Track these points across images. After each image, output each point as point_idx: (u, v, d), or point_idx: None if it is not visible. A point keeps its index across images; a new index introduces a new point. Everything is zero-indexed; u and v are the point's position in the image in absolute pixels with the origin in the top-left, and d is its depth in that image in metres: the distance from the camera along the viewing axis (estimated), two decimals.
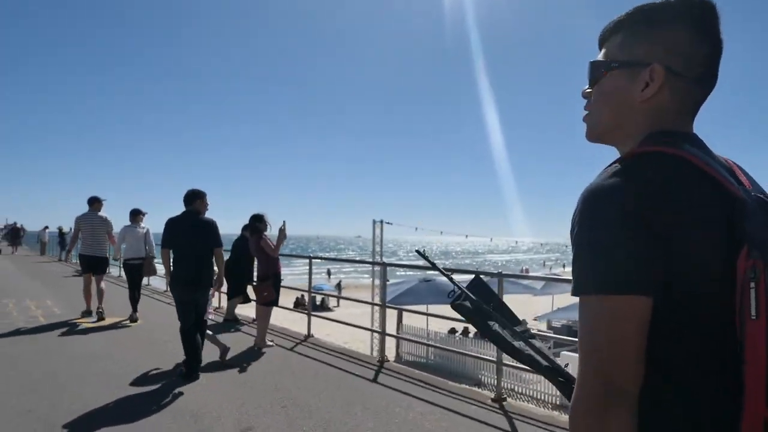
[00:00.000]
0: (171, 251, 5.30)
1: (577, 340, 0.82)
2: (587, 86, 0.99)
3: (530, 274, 37.16)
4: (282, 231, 6.25)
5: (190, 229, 5.19)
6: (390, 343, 18.57)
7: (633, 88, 0.90)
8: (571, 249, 0.85)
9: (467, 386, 5.39)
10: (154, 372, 5.21)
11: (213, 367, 5.37)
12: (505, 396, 4.74)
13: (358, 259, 44.74)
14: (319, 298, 31.66)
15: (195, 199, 5.32)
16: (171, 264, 5.29)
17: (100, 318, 8.00)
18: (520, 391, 11.27)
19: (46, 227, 26.92)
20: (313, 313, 8.37)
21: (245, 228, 8.32)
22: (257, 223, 6.28)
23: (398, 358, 17.35)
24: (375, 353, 16.78)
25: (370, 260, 7.48)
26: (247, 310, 8.90)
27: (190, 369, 4.99)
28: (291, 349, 6.40)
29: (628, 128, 0.92)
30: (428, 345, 13.50)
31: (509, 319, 1.29)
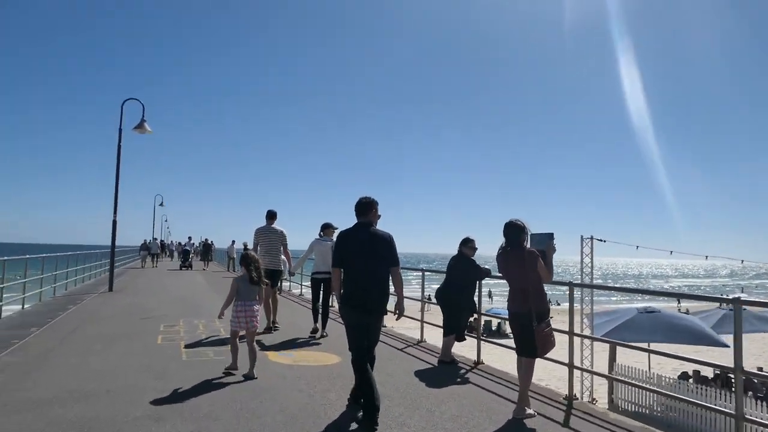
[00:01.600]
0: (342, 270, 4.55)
1: None
2: None
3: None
4: (551, 248, 4.23)
5: (364, 244, 4.44)
6: (597, 384, 15.57)
7: None
8: None
9: None
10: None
11: None
12: None
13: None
14: (495, 322, 29.16)
15: (369, 209, 4.60)
16: (342, 284, 4.57)
17: (272, 329, 8.28)
18: None
19: (233, 242, 28.08)
20: (488, 339, 5.94)
21: (464, 243, 6.46)
22: (522, 234, 4.29)
23: (613, 406, 14.28)
24: (585, 396, 14.06)
25: (717, 296, 4.88)
26: (466, 351, 7.02)
27: (368, 413, 4.12)
28: (566, 425, 4.24)
29: None
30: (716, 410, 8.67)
31: None
